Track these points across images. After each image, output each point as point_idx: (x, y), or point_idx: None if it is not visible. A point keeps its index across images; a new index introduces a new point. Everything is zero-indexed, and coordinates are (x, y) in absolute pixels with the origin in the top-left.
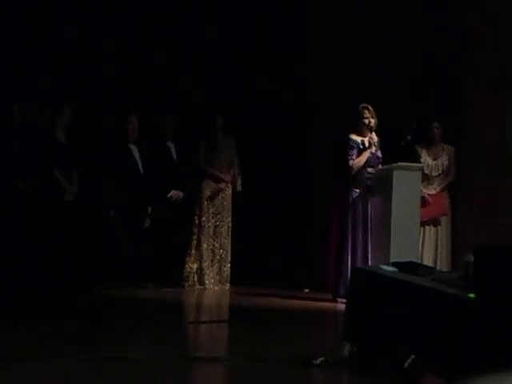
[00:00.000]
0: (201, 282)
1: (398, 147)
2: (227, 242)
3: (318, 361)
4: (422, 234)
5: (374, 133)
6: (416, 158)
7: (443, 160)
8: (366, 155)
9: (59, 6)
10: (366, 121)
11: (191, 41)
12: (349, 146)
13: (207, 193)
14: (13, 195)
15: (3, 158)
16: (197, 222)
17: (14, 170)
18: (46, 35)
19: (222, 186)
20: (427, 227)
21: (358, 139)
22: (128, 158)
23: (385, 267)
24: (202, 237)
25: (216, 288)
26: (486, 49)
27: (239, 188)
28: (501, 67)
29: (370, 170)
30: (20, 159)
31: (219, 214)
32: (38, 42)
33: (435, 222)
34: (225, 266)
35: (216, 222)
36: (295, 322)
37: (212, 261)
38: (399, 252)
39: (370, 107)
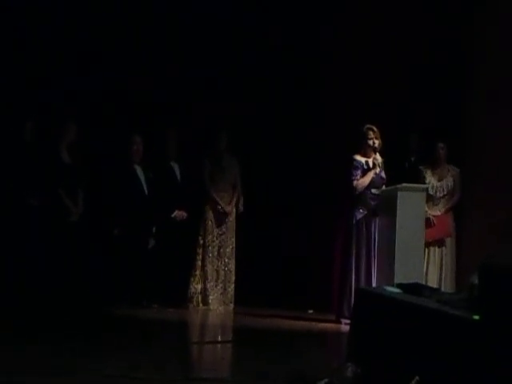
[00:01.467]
0: (205, 302)
1: (402, 168)
2: (231, 263)
3: (323, 382)
4: (426, 255)
5: (378, 153)
6: (420, 179)
7: (448, 181)
8: (370, 176)
9: (64, 22)
10: (371, 142)
11: (195, 59)
12: (353, 166)
13: (211, 214)
14: (21, 212)
15: (13, 175)
16: (201, 242)
17: (24, 187)
18: (50, 50)
19: (229, 209)
20: (432, 248)
21: (363, 160)
22: (133, 179)
23: (389, 288)
24: (207, 257)
25: (220, 308)
26: (490, 63)
27: (241, 209)
28: (507, 83)
29: (373, 190)
30: (28, 176)
31: (223, 234)
32: (44, 60)
33: (440, 243)
34: (229, 287)
35: (220, 242)
36: (299, 342)
37: (216, 281)
38: (404, 273)
39: (374, 128)
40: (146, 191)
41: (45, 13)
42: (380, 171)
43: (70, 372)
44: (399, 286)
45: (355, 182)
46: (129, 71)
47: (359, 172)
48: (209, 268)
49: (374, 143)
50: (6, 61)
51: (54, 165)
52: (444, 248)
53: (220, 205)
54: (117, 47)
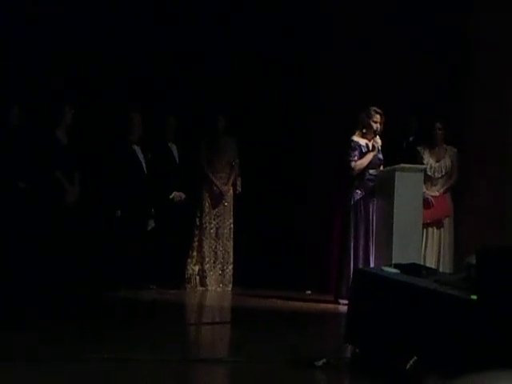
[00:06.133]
0: (203, 283)
1: (400, 148)
2: (229, 244)
3: (320, 362)
4: (424, 235)
5: (378, 136)
6: (418, 160)
7: (446, 161)
8: (369, 158)
9: (59, 4)
10: (375, 125)
11: (192, 40)
12: (351, 147)
13: (208, 195)
14: (13, 196)
15: (4, 159)
16: (198, 223)
17: (15, 170)
18: (46, 34)
19: (225, 188)
20: (430, 229)
21: (361, 141)
22: (132, 159)
23: (387, 269)
24: (204, 238)
25: (218, 289)
26: (488, 48)
27: (239, 189)
28: (503, 66)
29: (371, 171)
30: (20, 160)
31: (221, 215)
32: (38, 42)
33: (438, 224)
34: (227, 268)
35: (218, 223)
36: (297, 323)
37: (214, 262)
38: (401, 253)
39: (381, 112)
40: (146, 171)
41: None
42: (378, 153)
43: (68, 354)
44: (397, 266)
45: (353, 163)
46: (127, 51)
47: (357, 153)
48: (206, 249)
49: (377, 128)
50: None
51: (49, 146)
52: (442, 229)
53: (216, 185)
54: (114, 29)
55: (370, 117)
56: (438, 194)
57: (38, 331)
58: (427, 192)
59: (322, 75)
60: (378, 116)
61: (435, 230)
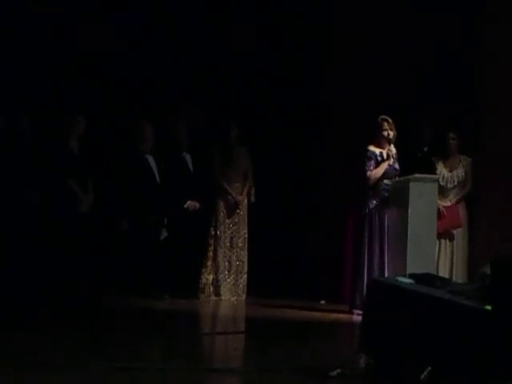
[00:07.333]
0: (216, 293)
1: (414, 159)
2: (243, 253)
3: (335, 372)
4: (437, 246)
5: (392, 145)
6: (433, 170)
7: (459, 171)
8: (383, 167)
9: (70, 15)
10: (385, 133)
11: (204, 50)
12: (367, 156)
13: (223, 205)
14: (25, 206)
15: (16, 170)
16: (213, 233)
17: (27, 180)
18: (58, 43)
19: (240, 198)
20: (443, 241)
21: (377, 151)
22: (145, 168)
23: (401, 279)
24: (218, 248)
25: (232, 299)
26: (500, 54)
27: (253, 199)
28: None
29: (386, 181)
30: (33, 170)
31: (235, 225)
32: (51, 51)
33: (450, 236)
34: (241, 277)
35: (232, 233)
36: (311, 333)
37: (228, 272)
38: (416, 263)
39: (389, 119)
40: (159, 181)
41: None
42: (394, 162)
43: (81, 363)
44: (411, 276)
45: (368, 173)
46: (139, 61)
47: (372, 162)
48: (220, 259)
49: (388, 134)
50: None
51: (62, 156)
52: (455, 240)
53: (231, 195)
54: (126, 39)
55: (379, 126)
56: (450, 204)
57: (47, 339)
58: (439, 202)
59: (335, 84)
60: (386, 123)
61: (448, 242)
